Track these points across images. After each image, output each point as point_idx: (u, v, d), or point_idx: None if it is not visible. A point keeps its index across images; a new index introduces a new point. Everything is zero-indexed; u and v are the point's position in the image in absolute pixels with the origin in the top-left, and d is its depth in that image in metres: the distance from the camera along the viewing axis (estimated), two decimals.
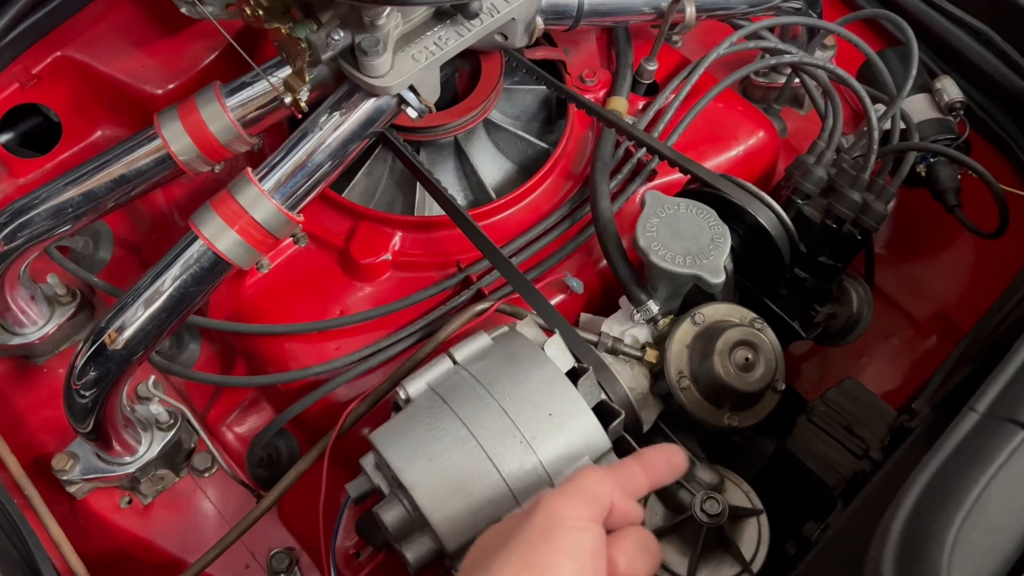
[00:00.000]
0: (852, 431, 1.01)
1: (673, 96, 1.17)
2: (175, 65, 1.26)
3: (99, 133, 1.32)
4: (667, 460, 0.71)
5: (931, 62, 1.38)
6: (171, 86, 1.26)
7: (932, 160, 1.23)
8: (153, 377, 1.07)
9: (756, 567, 0.91)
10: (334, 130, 0.93)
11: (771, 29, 1.25)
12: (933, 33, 1.38)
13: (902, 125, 1.21)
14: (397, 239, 1.08)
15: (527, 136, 1.17)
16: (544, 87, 1.15)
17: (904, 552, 0.53)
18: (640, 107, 1.19)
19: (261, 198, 0.90)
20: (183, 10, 1.00)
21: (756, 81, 1.35)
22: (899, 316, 1.39)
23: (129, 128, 1.30)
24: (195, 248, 0.90)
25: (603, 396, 0.88)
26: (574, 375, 0.86)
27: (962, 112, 1.27)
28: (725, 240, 0.95)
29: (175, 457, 1.09)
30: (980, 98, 1.37)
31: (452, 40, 0.92)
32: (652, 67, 1.17)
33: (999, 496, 0.55)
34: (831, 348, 1.31)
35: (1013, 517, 0.56)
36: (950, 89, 1.27)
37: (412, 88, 0.92)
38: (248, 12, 0.88)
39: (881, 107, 1.22)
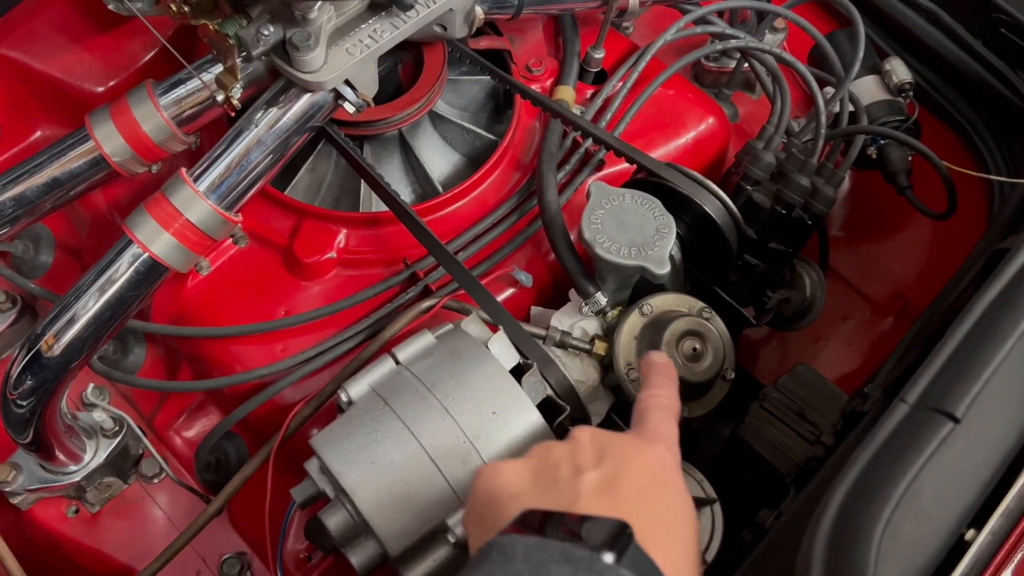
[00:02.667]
0: (805, 417, 1.01)
1: (621, 84, 1.16)
2: (114, 62, 1.23)
3: (38, 134, 1.28)
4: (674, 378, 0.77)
5: (882, 42, 1.39)
6: (111, 83, 1.23)
7: (883, 142, 1.23)
8: (94, 384, 1.04)
9: (710, 557, 0.91)
10: (269, 127, 0.91)
11: (720, 13, 1.25)
12: (883, 13, 1.38)
13: (851, 108, 1.21)
14: (342, 236, 1.06)
15: (474, 128, 1.15)
16: (491, 78, 1.13)
17: (833, 546, 0.53)
18: (588, 95, 1.17)
19: (196, 199, 0.88)
20: (110, 7, 0.97)
21: (707, 66, 1.34)
22: (856, 298, 1.39)
23: (69, 128, 1.25)
24: (130, 252, 0.88)
25: (548, 392, 0.87)
26: (519, 371, 0.86)
27: (911, 93, 1.27)
28: (670, 231, 0.94)
29: (122, 464, 1.07)
30: (932, 77, 1.38)
31: (388, 33, 0.90)
32: (599, 55, 1.16)
33: (930, 487, 0.55)
34: (789, 333, 1.31)
35: (944, 506, 0.56)
36: (899, 70, 1.27)
37: (348, 82, 0.90)
38: (174, 8, 0.85)
39: (831, 90, 1.22)
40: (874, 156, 1.24)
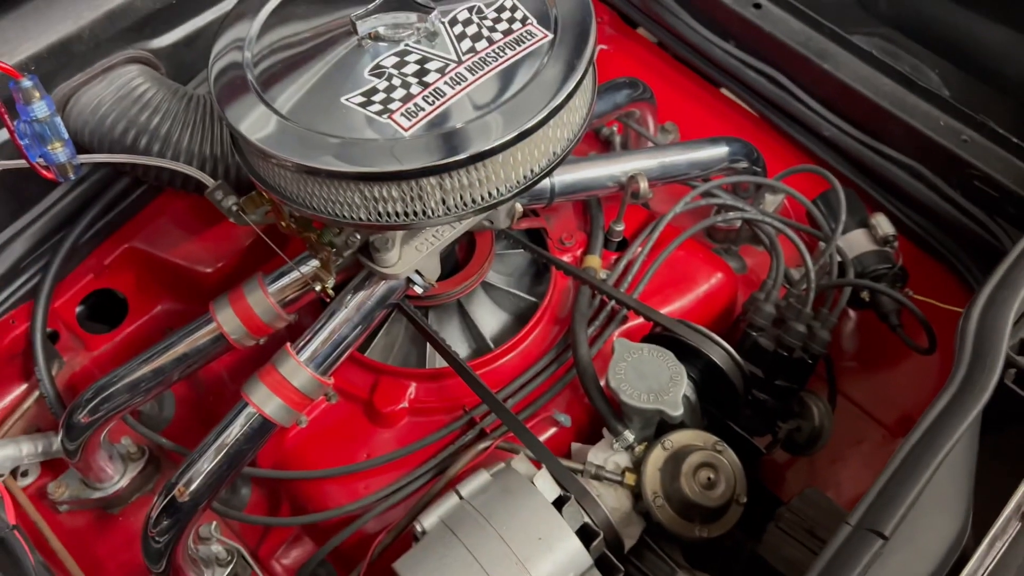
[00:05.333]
0: (814, 534, 1.17)
1: (640, 249, 1.38)
2: (221, 249, 1.49)
3: (159, 308, 1.56)
4: None
5: (875, 193, 1.58)
6: (219, 265, 1.49)
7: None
8: (213, 522, 1.25)
9: None
10: (356, 308, 1.14)
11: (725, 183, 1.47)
12: (871, 170, 1.58)
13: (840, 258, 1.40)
14: (412, 389, 1.27)
15: (518, 292, 1.38)
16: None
17: None
18: (613, 260, 1.40)
19: (298, 369, 1.11)
20: (231, 219, 1.23)
21: (719, 226, 1.55)
22: (870, 422, 1.54)
23: (184, 302, 1.54)
24: (245, 412, 1.10)
25: (585, 519, 1.05)
26: (560, 502, 1.04)
27: (895, 244, 1.46)
28: (682, 378, 1.14)
29: None
30: (921, 221, 1.55)
31: (447, 232, 1.14)
32: (620, 228, 1.39)
33: None
34: (815, 456, 1.45)
35: None
36: (883, 224, 1.46)
37: (417, 271, 1.14)
38: (283, 224, 1.11)
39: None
40: (867, 299, 1.42)
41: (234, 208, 1.12)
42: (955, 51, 1.97)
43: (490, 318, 1.38)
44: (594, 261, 1.36)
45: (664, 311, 1.34)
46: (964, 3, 2.00)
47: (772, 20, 1.61)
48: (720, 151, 1.44)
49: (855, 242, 1.47)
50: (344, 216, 0.95)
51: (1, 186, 1.29)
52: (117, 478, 1.34)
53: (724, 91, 1.74)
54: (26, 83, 1.05)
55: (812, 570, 0.73)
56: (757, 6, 1.63)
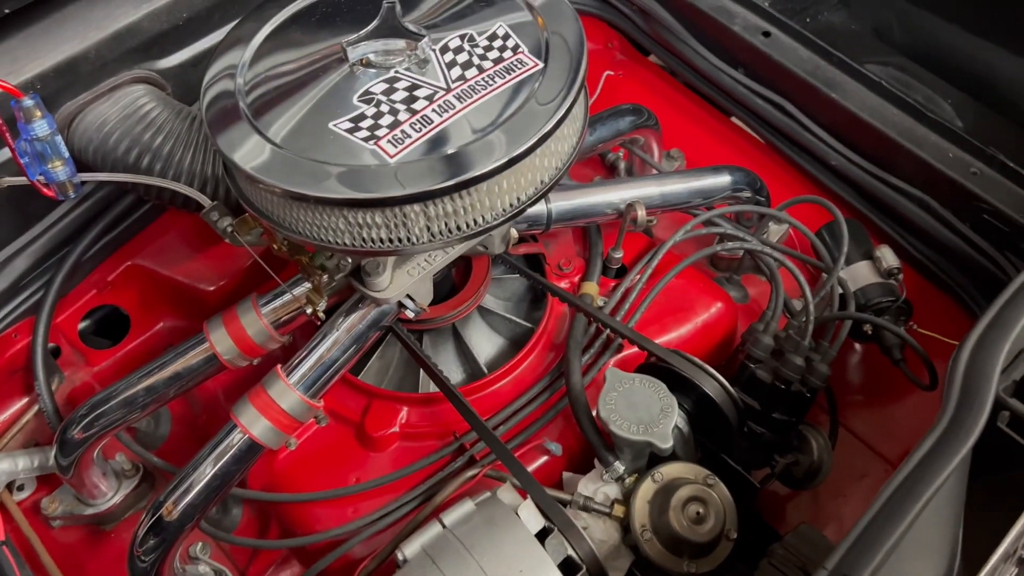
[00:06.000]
0: (806, 571, 1.14)
1: (639, 277, 1.37)
2: (224, 267, 1.50)
3: (161, 324, 1.57)
4: None
5: (882, 223, 1.56)
6: (221, 283, 1.50)
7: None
8: (201, 542, 1.25)
9: None
10: (347, 332, 1.14)
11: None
12: (879, 201, 1.56)
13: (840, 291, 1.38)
14: (404, 413, 1.27)
15: (514, 317, 1.37)
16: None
17: None
18: (611, 288, 1.39)
19: (287, 391, 1.11)
20: (226, 240, 1.24)
21: (721, 254, 1.54)
22: (872, 457, 1.52)
23: (186, 319, 1.55)
24: (235, 435, 1.10)
25: (569, 552, 1.03)
26: (544, 534, 1.03)
27: (900, 276, 1.43)
28: (673, 410, 1.12)
29: None
30: (929, 253, 1.53)
31: (439, 257, 1.13)
32: (618, 255, 1.38)
33: None
34: (817, 490, 1.43)
35: None
36: (888, 257, 1.44)
37: (409, 296, 1.14)
38: (276, 247, 1.12)
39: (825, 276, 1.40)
40: (870, 332, 1.40)
41: (228, 229, 1.13)
42: (971, 82, 1.95)
43: (485, 343, 1.38)
44: (591, 288, 1.35)
45: (661, 340, 1.33)
46: (982, 34, 1.98)
47: (781, 48, 1.60)
48: (723, 180, 1.43)
49: (859, 274, 1.45)
50: (330, 241, 0.96)
51: (6, 201, 1.31)
52: (110, 495, 1.35)
53: (734, 119, 1.74)
54: (27, 102, 1.07)
55: None
56: (767, 34, 1.63)
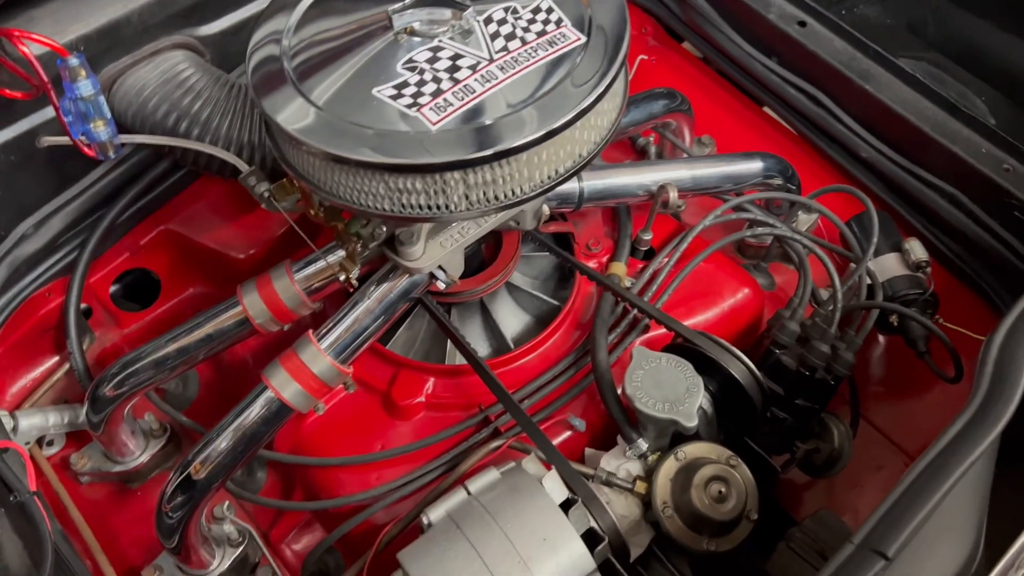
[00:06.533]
0: (825, 556, 1.15)
1: (667, 260, 1.38)
2: (254, 236, 1.52)
3: (191, 290, 1.59)
4: None
5: (910, 217, 1.56)
6: (251, 251, 1.52)
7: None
8: (227, 502, 1.27)
9: None
10: (379, 300, 1.15)
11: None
12: (908, 194, 1.56)
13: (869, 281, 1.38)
14: (430, 384, 1.28)
15: (542, 296, 1.38)
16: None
17: None
18: (639, 269, 1.39)
19: (318, 356, 1.12)
20: (263, 205, 1.25)
21: (749, 241, 1.54)
22: (890, 449, 1.52)
23: (215, 286, 1.57)
24: (264, 396, 1.12)
25: (592, 523, 1.05)
26: (568, 505, 1.04)
27: (928, 269, 1.43)
28: (698, 390, 1.13)
29: (242, 570, 1.29)
30: (956, 248, 1.52)
31: (472, 230, 1.14)
32: (647, 236, 1.39)
33: None
34: (833, 479, 1.43)
35: None
36: (916, 250, 1.44)
37: (441, 267, 1.15)
38: (312, 212, 1.13)
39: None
40: (896, 324, 1.40)
41: (266, 194, 1.14)
42: (1004, 79, 1.94)
43: (512, 319, 1.39)
44: (619, 268, 1.35)
45: (687, 323, 1.34)
46: (1017, 32, 1.97)
47: (816, 39, 1.60)
48: (754, 166, 1.43)
49: (887, 266, 1.45)
50: (369, 206, 0.97)
51: (44, 162, 1.33)
52: (138, 453, 1.37)
53: (766, 109, 1.74)
54: (73, 61, 1.08)
55: None
56: (802, 24, 1.63)
